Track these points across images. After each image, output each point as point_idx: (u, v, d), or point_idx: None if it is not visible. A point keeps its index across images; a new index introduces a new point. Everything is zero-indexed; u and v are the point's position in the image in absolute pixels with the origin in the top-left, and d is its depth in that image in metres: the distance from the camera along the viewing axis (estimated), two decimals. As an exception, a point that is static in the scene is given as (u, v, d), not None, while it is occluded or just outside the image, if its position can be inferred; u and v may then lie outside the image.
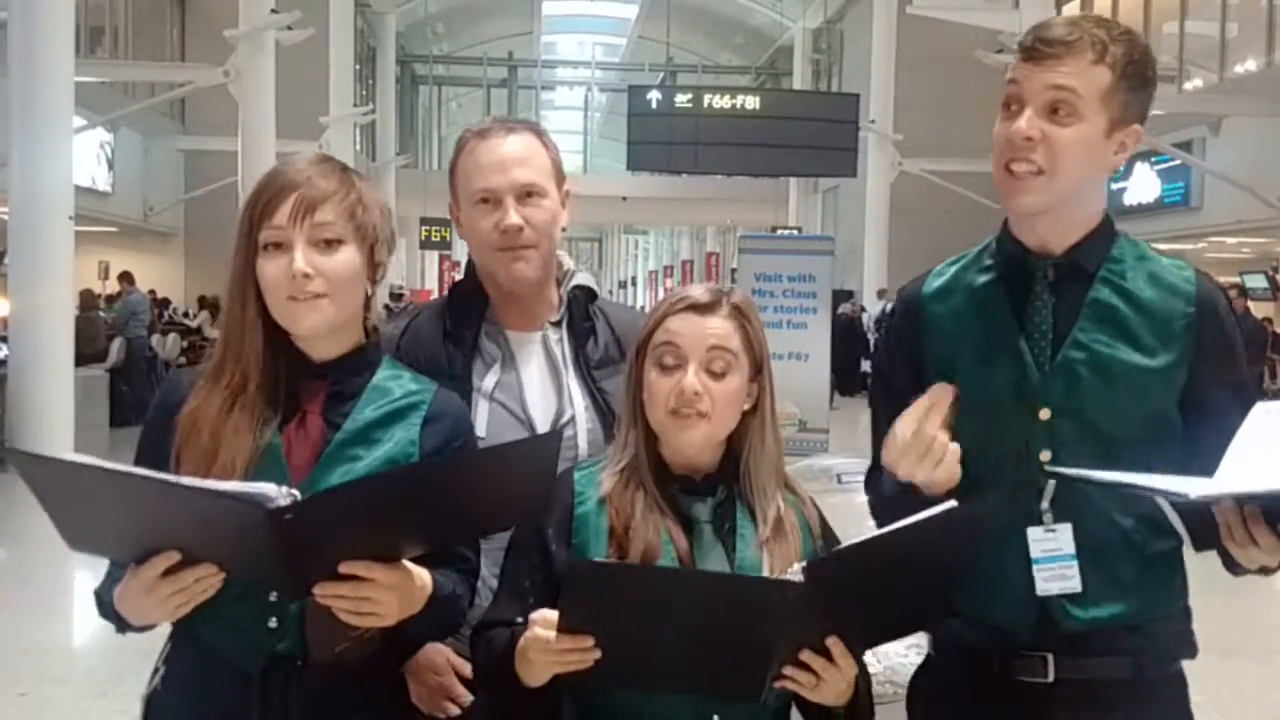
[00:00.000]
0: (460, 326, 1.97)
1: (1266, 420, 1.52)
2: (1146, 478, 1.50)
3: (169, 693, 1.68)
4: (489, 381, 1.94)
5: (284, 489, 1.39)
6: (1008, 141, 1.66)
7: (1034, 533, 1.68)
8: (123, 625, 1.58)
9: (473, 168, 1.94)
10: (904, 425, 1.60)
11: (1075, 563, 1.67)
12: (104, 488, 1.42)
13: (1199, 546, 1.59)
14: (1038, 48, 1.65)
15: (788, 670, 1.49)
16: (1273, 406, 1.53)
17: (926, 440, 1.58)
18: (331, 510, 1.42)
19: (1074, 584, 1.67)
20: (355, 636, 1.59)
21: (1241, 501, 1.47)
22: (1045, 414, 1.68)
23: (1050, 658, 1.68)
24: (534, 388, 1.97)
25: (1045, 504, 1.68)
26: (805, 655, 1.49)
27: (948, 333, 1.77)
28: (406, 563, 1.52)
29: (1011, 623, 1.70)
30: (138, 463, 1.66)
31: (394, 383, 1.70)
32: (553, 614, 1.45)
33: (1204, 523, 1.53)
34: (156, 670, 1.71)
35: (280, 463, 1.60)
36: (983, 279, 1.77)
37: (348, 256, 1.61)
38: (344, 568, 1.45)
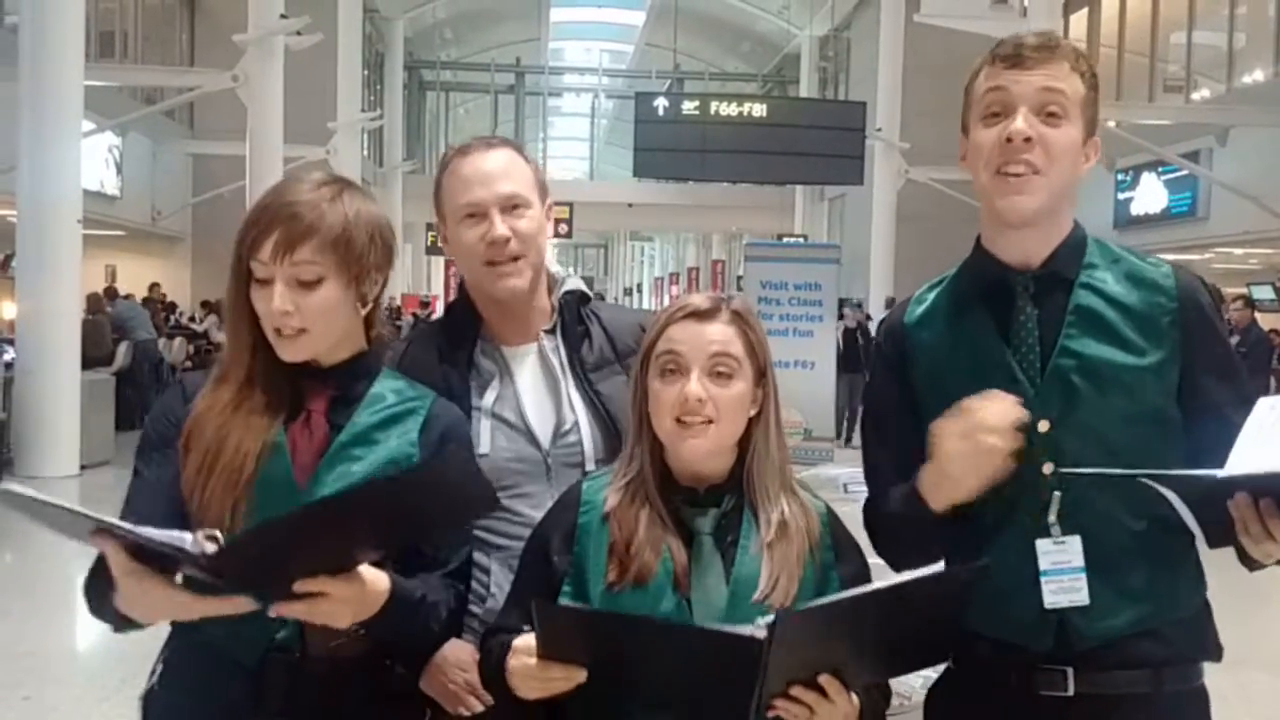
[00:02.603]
0: (455, 348, 1.99)
1: (1271, 415, 1.50)
2: (1160, 472, 1.50)
3: (167, 690, 1.69)
4: (488, 399, 1.95)
5: (200, 535, 1.39)
6: (1003, 144, 1.66)
7: (1042, 545, 1.67)
8: (122, 623, 1.55)
9: (457, 184, 1.96)
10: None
11: (1084, 575, 1.66)
12: (61, 518, 1.43)
13: (1213, 543, 1.58)
14: (1023, 54, 1.68)
15: (779, 703, 1.46)
16: (1277, 401, 1.53)
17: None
18: (250, 552, 1.41)
19: (1082, 596, 1.66)
20: (349, 633, 1.60)
21: (1258, 494, 1.46)
22: (1044, 426, 1.67)
23: (1070, 671, 1.67)
24: (532, 399, 1.97)
25: (1053, 517, 1.67)
26: (796, 690, 1.46)
27: (935, 358, 1.76)
28: (363, 569, 1.52)
29: (1026, 637, 1.69)
30: (139, 456, 1.69)
31: (392, 391, 1.74)
32: (533, 640, 1.46)
33: (1218, 519, 1.51)
34: (155, 669, 1.71)
35: (285, 460, 1.63)
36: (963, 300, 1.77)
37: (326, 294, 1.63)
38: (299, 587, 1.45)
